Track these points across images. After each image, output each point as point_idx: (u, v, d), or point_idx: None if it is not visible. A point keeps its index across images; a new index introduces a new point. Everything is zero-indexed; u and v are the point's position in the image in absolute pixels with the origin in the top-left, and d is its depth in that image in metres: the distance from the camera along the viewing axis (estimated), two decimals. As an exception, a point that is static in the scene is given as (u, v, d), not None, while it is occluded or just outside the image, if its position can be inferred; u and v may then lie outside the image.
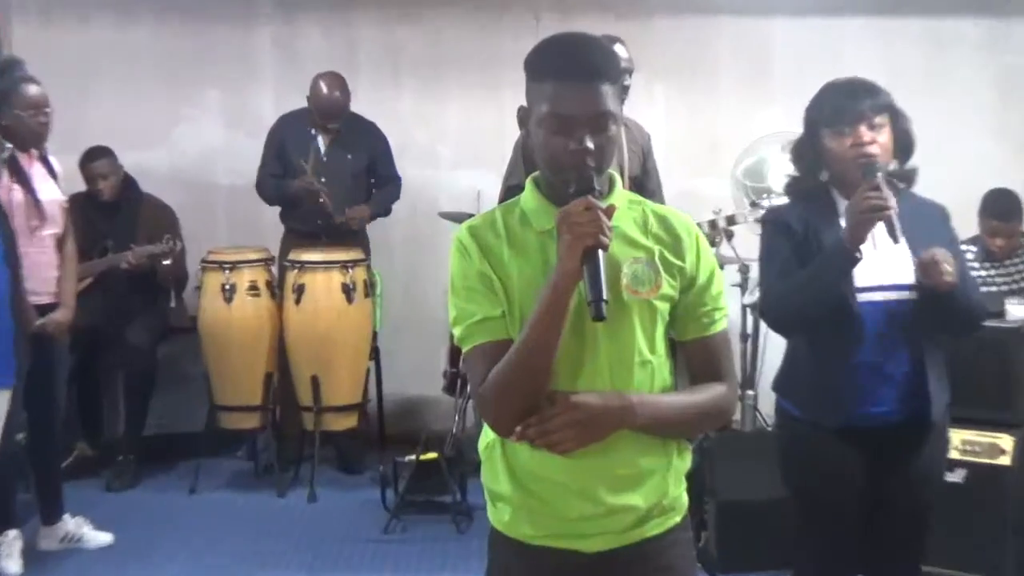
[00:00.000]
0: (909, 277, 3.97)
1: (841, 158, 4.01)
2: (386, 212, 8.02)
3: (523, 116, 2.89)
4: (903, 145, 4.12)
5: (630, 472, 2.84)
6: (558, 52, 2.83)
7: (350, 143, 7.83)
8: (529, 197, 2.91)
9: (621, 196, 2.92)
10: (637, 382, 2.82)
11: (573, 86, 2.76)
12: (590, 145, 2.74)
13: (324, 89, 7.67)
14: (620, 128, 2.87)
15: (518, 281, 2.82)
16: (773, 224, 4.20)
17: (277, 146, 7.83)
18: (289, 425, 7.66)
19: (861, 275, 3.95)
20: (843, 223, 3.98)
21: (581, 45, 2.84)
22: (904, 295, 3.99)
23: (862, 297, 3.96)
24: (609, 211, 2.70)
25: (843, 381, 3.97)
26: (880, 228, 3.87)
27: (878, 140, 3.99)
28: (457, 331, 2.87)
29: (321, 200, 7.58)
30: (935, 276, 3.86)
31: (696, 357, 2.94)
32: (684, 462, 2.96)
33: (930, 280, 3.87)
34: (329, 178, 7.70)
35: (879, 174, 3.91)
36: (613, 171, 2.93)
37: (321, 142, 7.79)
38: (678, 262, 2.87)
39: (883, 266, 3.97)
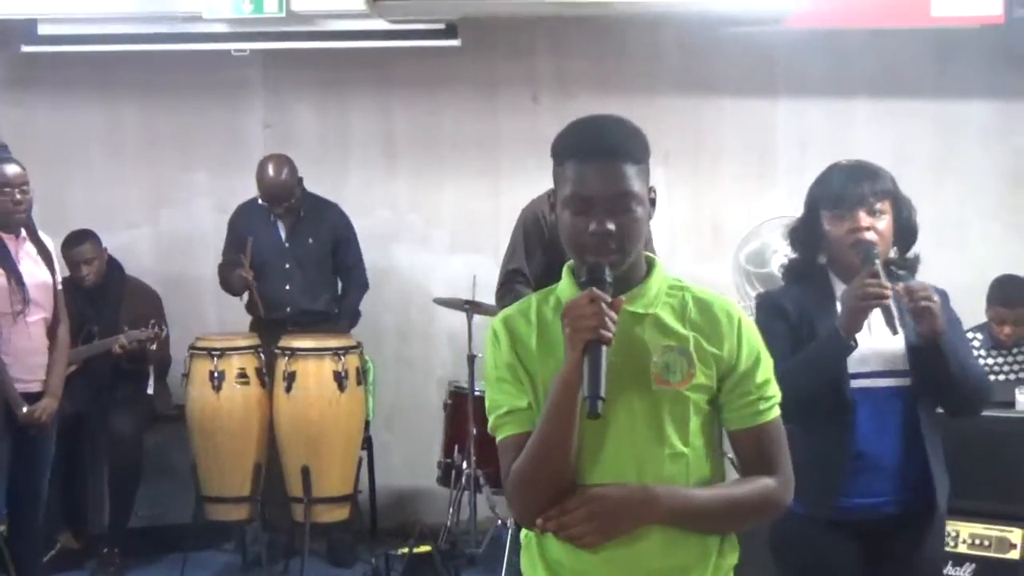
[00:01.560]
0: (904, 363, 3.93)
1: (838, 242, 3.97)
2: (355, 318, 7.87)
3: (553, 202, 2.88)
4: (904, 234, 4.07)
5: (663, 566, 2.80)
6: (580, 133, 2.82)
7: (311, 227, 7.74)
8: (565, 285, 2.90)
9: (660, 281, 2.89)
10: (669, 475, 2.79)
11: (594, 166, 2.75)
12: (611, 227, 2.73)
13: (270, 171, 7.57)
14: (647, 209, 2.82)
15: (542, 371, 2.82)
16: (767, 309, 4.14)
17: (236, 235, 7.75)
18: (279, 517, 7.49)
19: (855, 361, 3.91)
20: (839, 308, 3.93)
21: (603, 125, 2.84)
22: (900, 382, 3.94)
23: (857, 384, 3.92)
24: (616, 304, 2.68)
25: (837, 470, 3.91)
26: (876, 314, 3.83)
27: (877, 227, 3.94)
28: (489, 421, 2.89)
29: (252, 294, 7.57)
30: (925, 315, 3.81)
31: (744, 448, 2.89)
32: (728, 559, 2.90)
33: (922, 323, 3.82)
34: (293, 264, 7.63)
35: (877, 261, 3.85)
36: (651, 254, 2.93)
37: (281, 228, 7.69)
38: (714, 350, 2.83)
39: (878, 352, 3.93)
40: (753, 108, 8.35)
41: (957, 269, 7.84)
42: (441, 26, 7.69)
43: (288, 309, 7.62)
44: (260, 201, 7.64)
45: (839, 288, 4.00)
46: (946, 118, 8.22)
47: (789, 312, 4.01)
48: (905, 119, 8.22)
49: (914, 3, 7.27)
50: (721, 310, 2.86)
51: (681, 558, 2.80)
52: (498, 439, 2.87)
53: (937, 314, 3.81)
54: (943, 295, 4.06)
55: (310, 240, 7.69)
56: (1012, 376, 6.91)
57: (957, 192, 8.22)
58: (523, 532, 2.96)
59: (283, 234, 7.68)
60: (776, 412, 2.88)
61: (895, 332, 3.80)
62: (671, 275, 2.93)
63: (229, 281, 7.68)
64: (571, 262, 2.89)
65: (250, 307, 7.74)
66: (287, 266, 7.62)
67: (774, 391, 2.89)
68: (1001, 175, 8.25)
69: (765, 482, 2.85)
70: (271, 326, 7.58)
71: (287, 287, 7.61)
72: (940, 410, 4.14)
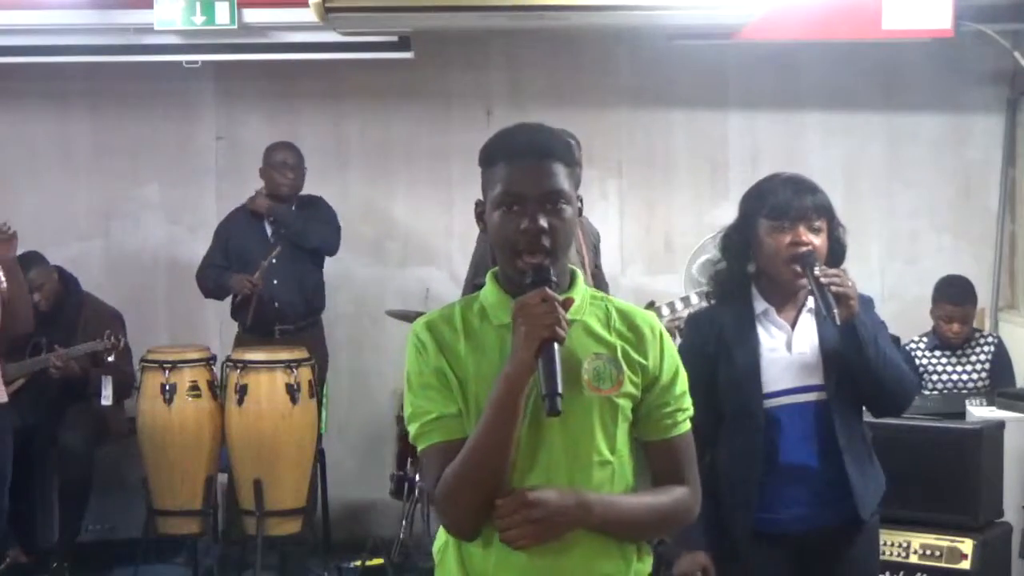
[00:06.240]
0: (819, 378, 3.99)
1: (774, 253, 4.00)
2: (300, 229, 7.66)
3: (480, 211, 2.89)
4: (835, 251, 4.09)
5: (587, 575, 2.81)
6: (509, 135, 2.86)
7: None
8: (489, 291, 2.89)
9: (583, 291, 2.90)
10: (596, 482, 2.80)
11: (525, 164, 2.79)
12: (544, 224, 2.75)
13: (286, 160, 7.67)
14: (576, 211, 2.84)
15: (475, 377, 2.80)
16: (688, 339, 4.22)
17: (225, 239, 7.73)
18: (231, 530, 7.44)
19: (773, 380, 3.97)
20: (760, 330, 4.03)
21: (532, 128, 2.88)
22: (818, 396, 3.99)
23: (775, 401, 3.97)
24: (567, 304, 2.71)
25: (758, 485, 3.96)
26: (799, 331, 4.02)
27: (814, 243, 3.97)
28: (412, 429, 2.85)
29: (251, 302, 7.50)
30: (840, 299, 3.84)
31: (658, 459, 2.91)
32: (645, 565, 2.92)
33: (839, 307, 3.84)
34: (279, 259, 7.54)
35: (817, 267, 3.90)
36: (575, 267, 2.94)
37: (268, 224, 7.67)
38: (640, 359, 2.86)
39: (793, 369, 4.00)
40: (705, 121, 8.38)
41: (909, 280, 7.94)
42: (394, 38, 7.67)
43: (276, 304, 7.55)
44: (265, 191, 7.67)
45: (759, 307, 4.07)
46: (897, 130, 8.27)
47: (709, 341, 4.06)
48: (856, 131, 8.27)
49: (865, 16, 7.31)
50: (644, 322, 2.90)
51: (604, 566, 2.82)
52: (422, 447, 2.83)
53: (851, 296, 3.86)
54: (868, 302, 4.10)
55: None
56: (955, 376, 7.01)
57: (909, 204, 8.28)
58: (436, 545, 2.94)
59: (269, 230, 7.65)
60: (689, 425, 2.92)
61: (834, 320, 3.84)
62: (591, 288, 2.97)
63: (221, 282, 7.65)
64: (495, 269, 2.90)
65: (239, 314, 7.69)
66: (273, 261, 7.52)
67: (689, 404, 2.92)
68: (952, 187, 8.30)
69: (680, 492, 2.89)
70: (257, 335, 7.54)
71: (274, 281, 7.53)
72: (868, 419, 4.20)
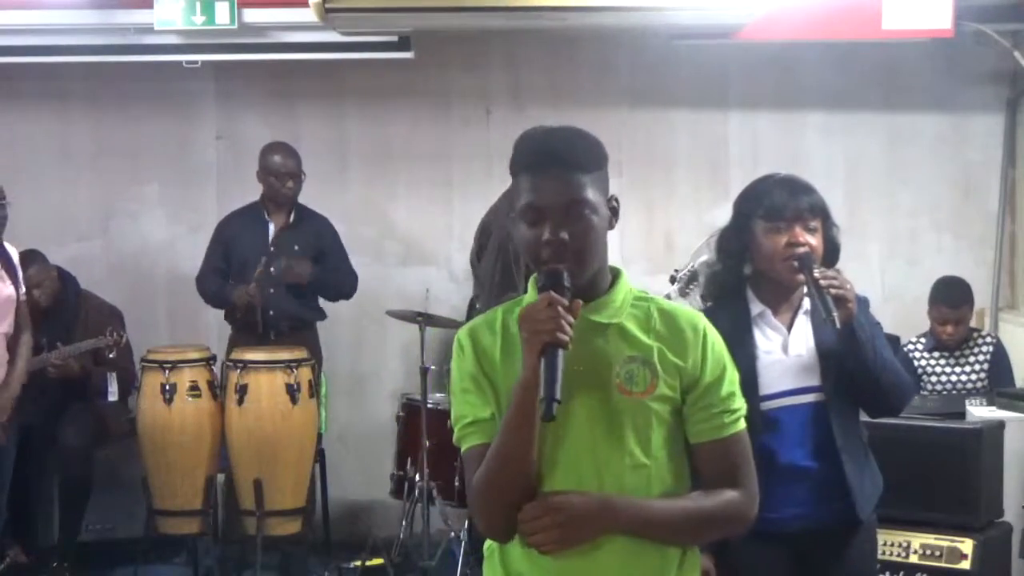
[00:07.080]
0: (816, 379, 3.99)
1: (772, 255, 4.00)
2: (332, 292, 7.76)
3: (513, 215, 2.87)
4: (830, 250, 4.10)
5: None
6: (531, 144, 2.83)
7: (300, 233, 7.66)
8: (531, 295, 2.86)
9: (624, 292, 2.89)
10: (630, 485, 2.78)
11: (545, 176, 2.77)
12: (564, 236, 2.74)
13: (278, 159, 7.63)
14: (606, 215, 2.83)
15: (504, 381, 2.82)
16: None
17: (225, 240, 7.70)
18: (231, 530, 7.44)
19: (770, 382, 3.97)
20: (756, 333, 4.02)
21: (553, 136, 2.85)
22: (816, 397, 3.99)
23: (773, 403, 3.96)
24: (574, 308, 2.69)
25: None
26: (795, 333, 4.01)
27: (811, 243, 3.98)
28: (455, 432, 2.89)
29: (254, 314, 7.47)
30: (839, 302, 3.83)
31: (707, 461, 2.86)
32: (690, 571, 2.89)
33: (839, 304, 3.83)
34: (276, 267, 7.51)
35: (816, 270, 3.90)
36: (618, 265, 2.92)
37: (271, 229, 7.63)
38: (678, 361, 2.83)
39: (791, 372, 4.00)
40: (705, 121, 8.38)
41: (909, 280, 7.94)
42: (394, 38, 7.67)
43: (271, 312, 7.51)
44: (266, 192, 7.64)
45: (755, 310, 4.06)
46: (897, 130, 8.28)
47: None
48: (857, 131, 8.27)
49: (865, 16, 7.32)
50: (687, 322, 2.86)
51: (640, 570, 2.79)
52: (462, 450, 2.86)
53: (850, 298, 3.85)
54: (864, 302, 4.10)
55: (296, 247, 7.60)
56: (954, 377, 7.01)
57: (909, 204, 8.28)
58: (486, 544, 2.95)
59: (271, 236, 7.60)
60: (741, 425, 2.87)
61: (834, 324, 3.82)
62: (636, 287, 2.92)
63: (223, 295, 7.60)
64: (536, 274, 2.88)
65: (232, 317, 7.68)
66: (271, 270, 7.48)
67: (739, 404, 2.88)
68: (953, 186, 8.31)
69: (729, 495, 2.83)
70: (251, 338, 7.50)
71: (271, 290, 7.48)
72: (869, 420, 4.20)
